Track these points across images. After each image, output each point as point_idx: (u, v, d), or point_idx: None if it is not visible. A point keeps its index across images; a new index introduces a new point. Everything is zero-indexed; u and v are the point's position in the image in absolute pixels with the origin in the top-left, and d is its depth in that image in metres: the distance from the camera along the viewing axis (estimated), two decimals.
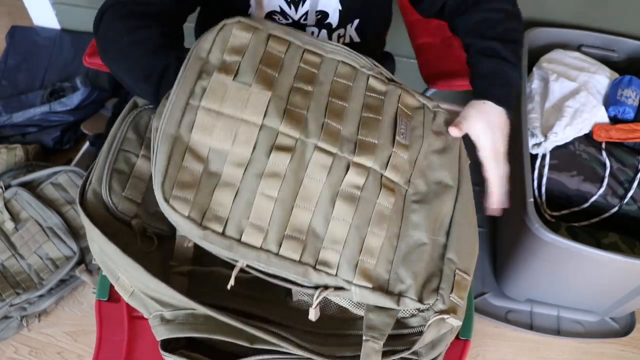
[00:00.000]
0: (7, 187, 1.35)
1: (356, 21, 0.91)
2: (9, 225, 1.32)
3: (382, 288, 0.63)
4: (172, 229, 0.70)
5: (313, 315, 0.64)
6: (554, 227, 1.18)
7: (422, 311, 0.66)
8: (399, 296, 0.63)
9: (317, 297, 0.62)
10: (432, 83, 1.05)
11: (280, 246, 0.61)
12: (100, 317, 0.86)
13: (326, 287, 0.62)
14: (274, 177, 0.63)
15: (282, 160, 0.63)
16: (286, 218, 0.62)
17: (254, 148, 0.63)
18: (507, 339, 1.38)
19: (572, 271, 1.18)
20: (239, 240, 0.61)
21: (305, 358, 0.65)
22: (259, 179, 0.62)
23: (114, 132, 0.75)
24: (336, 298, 0.66)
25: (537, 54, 1.41)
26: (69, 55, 1.72)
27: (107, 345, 0.84)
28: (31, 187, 1.37)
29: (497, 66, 0.78)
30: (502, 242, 1.42)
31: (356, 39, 0.93)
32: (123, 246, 0.64)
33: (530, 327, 1.38)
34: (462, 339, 0.86)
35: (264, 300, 0.68)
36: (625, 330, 1.39)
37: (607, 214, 1.22)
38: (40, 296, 1.31)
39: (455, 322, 0.65)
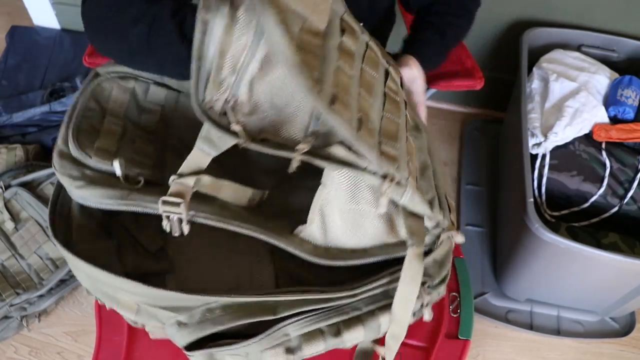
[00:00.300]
0: (7, 187, 1.35)
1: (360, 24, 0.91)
2: (9, 225, 1.32)
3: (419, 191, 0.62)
4: (155, 173, 0.67)
5: (384, 205, 0.60)
6: (554, 227, 1.18)
7: (432, 229, 0.65)
8: (430, 203, 0.63)
9: (385, 192, 0.58)
10: (432, 83, 1.05)
11: (360, 127, 0.57)
12: (100, 317, 0.86)
13: (392, 180, 0.58)
14: (348, 54, 0.62)
15: (351, 41, 0.63)
16: (357, 99, 0.60)
17: (329, 22, 0.61)
18: (507, 339, 1.38)
19: (572, 271, 1.18)
20: (328, 107, 0.54)
21: (333, 307, 0.63)
22: (337, 52, 0.60)
23: (73, 105, 0.70)
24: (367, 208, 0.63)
25: (537, 54, 1.41)
26: (69, 55, 1.72)
27: (106, 345, 0.84)
28: (31, 187, 1.37)
29: (439, 45, 0.92)
30: (502, 242, 1.42)
31: None
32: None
33: (530, 327, 1.38)
34: (462, 338, 0.86)
35: (269, 227, 0.65)
36: (625, 330, 1.39)
37: (607, 214, 1.22)
38: (40, 296, 1.31)
39: (460, 239, 0.66)
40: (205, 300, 0.62)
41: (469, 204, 1.57)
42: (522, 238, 1.18)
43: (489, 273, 1.44)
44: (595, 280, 1.21)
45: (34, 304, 1.31)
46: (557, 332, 1.37)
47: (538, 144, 1.25)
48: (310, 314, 0.64)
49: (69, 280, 1.35)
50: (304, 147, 0.56)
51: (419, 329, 0.86)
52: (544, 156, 1.24)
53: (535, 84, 1.35)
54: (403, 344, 0.84)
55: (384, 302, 0.65)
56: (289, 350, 0.65)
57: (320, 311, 0.64)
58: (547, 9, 1.43)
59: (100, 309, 0.87)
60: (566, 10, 1.42)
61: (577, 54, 1.39)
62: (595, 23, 1.43)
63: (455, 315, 0.88)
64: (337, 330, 0.65)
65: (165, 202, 0.58)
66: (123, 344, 0.83)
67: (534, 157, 1.25)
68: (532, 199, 1.12)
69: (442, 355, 0.84)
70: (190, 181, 0.59)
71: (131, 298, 0.65)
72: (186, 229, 0.60)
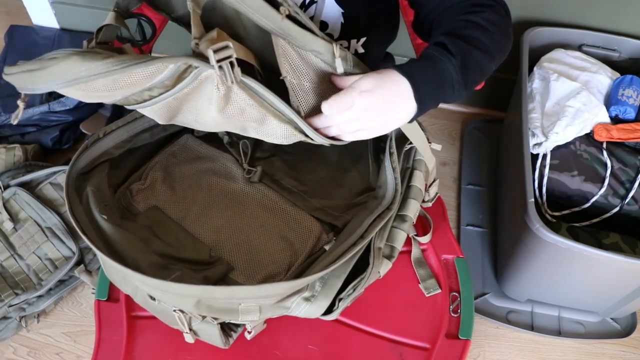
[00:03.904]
0: (6, 187, 1.35)
1: (363, 39, 0.90)
2: (8, 226, 1.31)
3: None
4: None
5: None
6: (554, 227, 1.18)
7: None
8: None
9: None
10: None
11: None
12: (100, 317, 0.86)
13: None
14: None
15: None
16: None
17: None
18: (508, 340, 1.37)
19: (573, 271, 1.18)
20: None
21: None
22: None
23: None
24: None
25: (538, 53, 1.40)
26: None
27: (106, 346, 0.83)
28: (30, 187, 1.36)
29: (434, 53, 0.69)
30: (502, 242, 1.41)
31: (360, 50, 0.92)
32: None
33: (531, 327, 1.37)
34: (462, 338, 0.85)
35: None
36: (626, 331, 1.39)
37: (608, 214, 1.22)
38: (39, 297, 1.30)
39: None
40: (325, 272, 0.66)
41: (470, 204, 1.57)
42: (522, 238, 1.17)
43: (489, 273, 1.44)
44: (596, 281, 1.20)
45: (33, 304, 1.30)
46: (558, 332, 1.37)
47: (539, 144, 1.25)
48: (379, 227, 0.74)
49: (68, 280, 1.34)
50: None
51: (420, 329, 0.86)
52: (544, 156, 1.24)
53: (536, 84, 1.35)
54: (403, 344, 0.84)
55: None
56: (390, 257, 0.75)
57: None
58: (548, 9, 1.43)
59: (99, 308, 0.86)
60: (567, 9, 1.42)
61: (578, 53, 1.39)
62: (596, 22, 1.43)
63: (455, 315, 0.87)
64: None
65: (216, 51, 0.59)
66: (122, 344, 0.83)
67: (534, 157, 1.24)
68: (532, 199, 1.12)
69: (443, 355, 0.84)
70: (213, 34, 0.62)
71: (254, 301, 0.68)
72: (239, 72, 0.61)
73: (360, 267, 0.72)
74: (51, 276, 1.30)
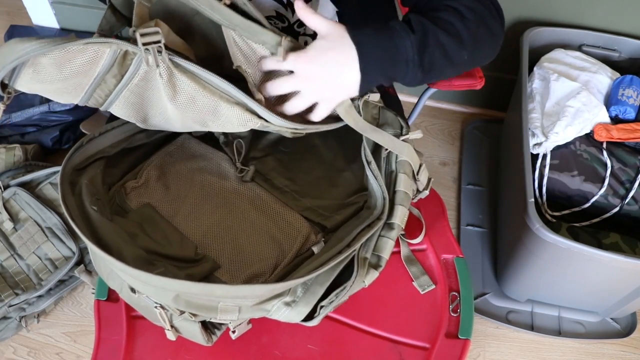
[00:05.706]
0: (6, 187, 1.35)
1: None
2: (8, 226, 1.31)
3: None
4: None
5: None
6: (554, 227, 1.18)
7: None
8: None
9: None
10: (433, 83, 1.05)
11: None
12: (99, 317, 0.86)
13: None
14: None
15: None
16: None
17: None
18: (508, 340, 1.37)
19: (573, 271, 1.18)
20: None
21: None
22: None
23: None
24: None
25: (538, 53, 1.40)
26: None
27: (105, 346, 0.83)
28: (30, 187, 1.36)
29: (395, 26, 0.67)
30: (502, 242, 1.41)
31: None
32: None
33: (531, 327, 1.37)
34: (462, 338, 0.85)
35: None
36: (626, 331, 1.39)
37: (608, 214, 1.22)
38: (39, 297, 1.30)
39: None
40: (306, 278, 0.66)
41: (470, 204, 1.57)
42: (522, 238, 1.17)
43: (489, 273, 1.44)
44: (596, 281, 1.20)
45: (33, 304, 1.30)
46: (558, 332, 1.37)
47: (539, 144, 1.24)
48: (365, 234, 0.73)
49: (68, 280, 1.34)
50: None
51: (419, 329, 0.86)
52: (544, 156, 1.24)
53: (536, 84, 1.35)
54: (403, 344, 0.84)
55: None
56: (377, 266, 0.73)
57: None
58: (548, 9, 1.43)
59: (99, 308, 0.86)
60: (567, 9, 1.42)
61: (578, 53, 1.39)
62: (597, 22, 1.43)
63: (455, 315, 0.87)
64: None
65: (143, 34, 0.62)
66: (122, 344, 0.83)
67: (534, 157, 1.24)
68: (532, 199, 1.12)
69: (442, 355, 0.84)
70: (151, 23, 0.64)
71: (232, 301, 0.67)
72: (166, 56, 0.64)
73: (346, 274, 0.72)
74: (51, 276, 1.30)
